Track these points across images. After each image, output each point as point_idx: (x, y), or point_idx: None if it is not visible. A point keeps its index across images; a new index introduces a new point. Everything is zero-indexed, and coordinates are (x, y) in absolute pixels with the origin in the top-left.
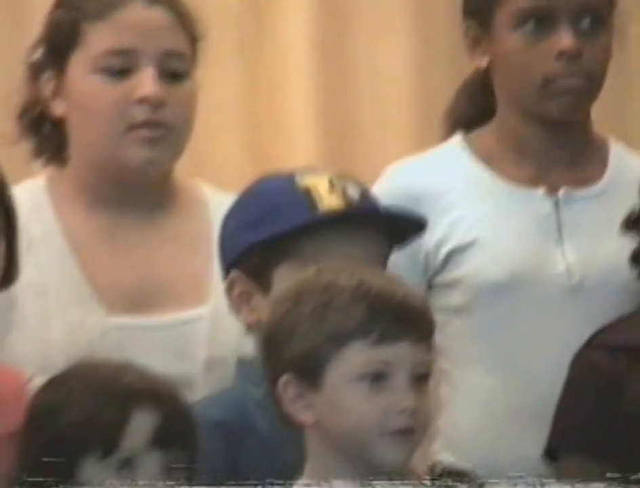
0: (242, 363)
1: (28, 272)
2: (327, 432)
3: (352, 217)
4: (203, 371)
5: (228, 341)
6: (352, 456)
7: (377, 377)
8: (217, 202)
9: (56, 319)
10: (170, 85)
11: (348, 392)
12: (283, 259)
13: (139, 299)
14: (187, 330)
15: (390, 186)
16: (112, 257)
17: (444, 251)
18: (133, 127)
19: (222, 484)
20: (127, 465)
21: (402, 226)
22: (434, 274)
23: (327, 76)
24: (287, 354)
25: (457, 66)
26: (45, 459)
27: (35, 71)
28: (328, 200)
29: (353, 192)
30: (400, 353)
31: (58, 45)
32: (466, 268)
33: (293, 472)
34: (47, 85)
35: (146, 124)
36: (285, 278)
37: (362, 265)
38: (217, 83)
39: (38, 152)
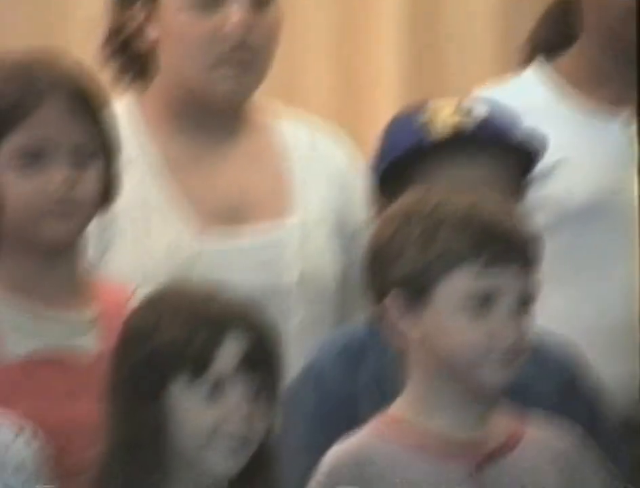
0: None
1: (127, 188)
2: (431, 351)
3: (461, 143)
4: (297, 280)
5: (319, 250)
6: (455, 376)
7: (485, 300)
8: (289, 124)
9: (153, 234)
10: (256, 13)
11: (455, 313)
12: (409, 185)
13: (230, 213)
14: (279, 239)
15: None
16: (200, 176)
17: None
18: (222, 56)
19: None
20: (215, 389)
21: (526, 151)
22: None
23: (415, 9)
24: (396, 271)
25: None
26: (135, 378)
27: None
28: (444, 125)
29: (475, 117)
30: (508, 277)
31: None
32: (548, 190)
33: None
34: (139, 13)
35: (234, 54)
36: None
37: (477, 189)
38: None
39: (121, 75)
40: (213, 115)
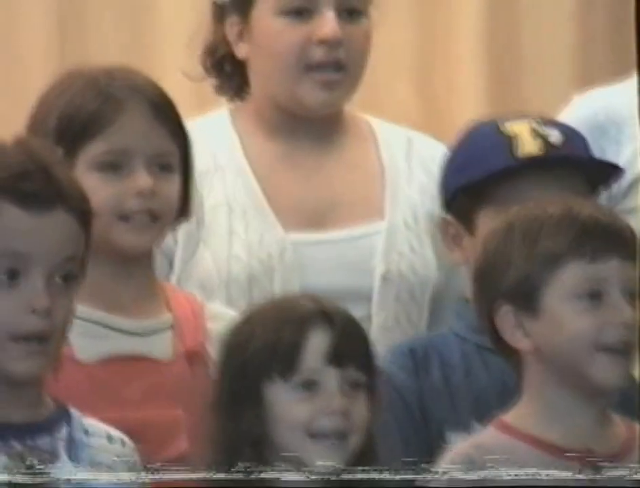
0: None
1: (215, 193)
2: (546, 357)
3: (549, 162)
4: (380, 284)
5: (403, 256)
6: (571, 378)
7: (593, 295)
8: (384, 130)
9: (238, 236)
10: (348, 23)
11: (565, 313)
12: (485, 203)
13: (316, 217)
14: (363, 244)
15: (576, 115)
16: (289, 181)
17: (627, 178)
18: (311, 67)
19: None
20: (307, 385)
21: (602, 171)
22: (615, 202)
23: (495, 19)
24: (502, 284)
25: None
26: (233, 387)
27: (220, 13)
28: (529, 145)
29: (556, 138)
30: (613, 269)
31: None
32: (626, 206)
33: (490, 397)
34: (232, 28)
35: (323, 64)
36: (488, 221)
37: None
38: (388, 25)
39: (221, 90)
40: (304, 123)
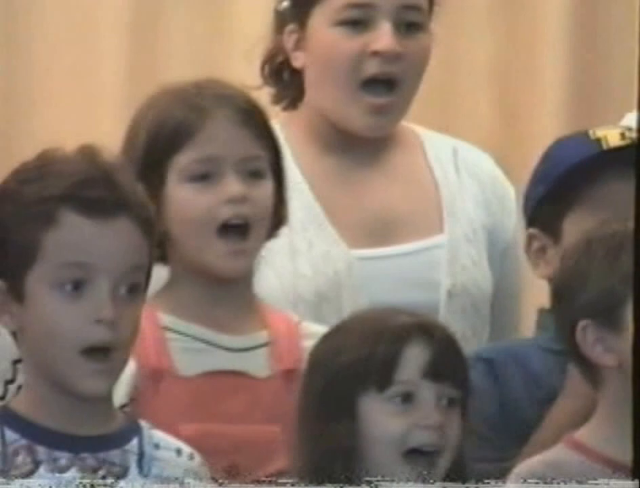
0: None
1: None
2: (628, 374)
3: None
4: (446, 298)
5: (466, 269)
6: None
7: None
8: (430, 139)
9: (302, 254)
10: (405, 38)
11: None
12: (571, 208)
13: (377, 232)
14: (427, 257)
15: None
16: (346, 196)
17: None
18: (364, 82)
19: None
20: (403, 399)
21: None
22: None
23: (576, 33)
24: (582, 299)
25: None
26: (323, 400)
27: (280, 21)
28: (615, 140)
29: None
30: None
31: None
32: None
33: None
34: (289, 37)
35: (377, 78)
36: (574, 227)
37: None
38: (466, 40)
39: (277, 99)
40: (356, 138)
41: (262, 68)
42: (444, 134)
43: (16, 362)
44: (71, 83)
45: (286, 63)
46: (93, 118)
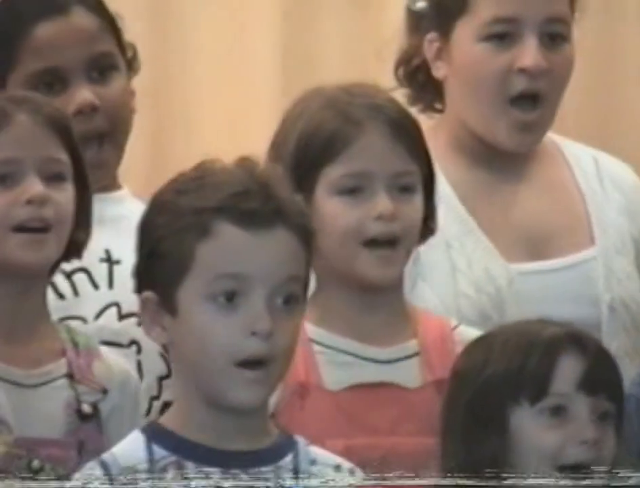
0: None
1: None
2: None
3: None
4: (608, 313)
5: (621, 282)
6: None
7: None
8: (571, 150)
9: (462, 272)
10: (550, 51)
11: None
12: None
13: (531, 245)
14: (583, 271)
15: None
16: (496, 209)
17: None
18: (511, 99)
19: None
20: (556, 412)
21: None
22: None
23: None
24: None
25: None
26: (471, 412)
27: (416, 22)
28: None
29: None
30: None
31: (447, 10)
32: None
33: None
34: (430, 45)
35: (524, 95)
36: None
37: None
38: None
39: (414, 101)
40: (501, 152)
41: (396, 69)
42: (586, 147)
43: (162, 378)
44: (225, 94)
45: (423, 65)
46: (247, 129)
